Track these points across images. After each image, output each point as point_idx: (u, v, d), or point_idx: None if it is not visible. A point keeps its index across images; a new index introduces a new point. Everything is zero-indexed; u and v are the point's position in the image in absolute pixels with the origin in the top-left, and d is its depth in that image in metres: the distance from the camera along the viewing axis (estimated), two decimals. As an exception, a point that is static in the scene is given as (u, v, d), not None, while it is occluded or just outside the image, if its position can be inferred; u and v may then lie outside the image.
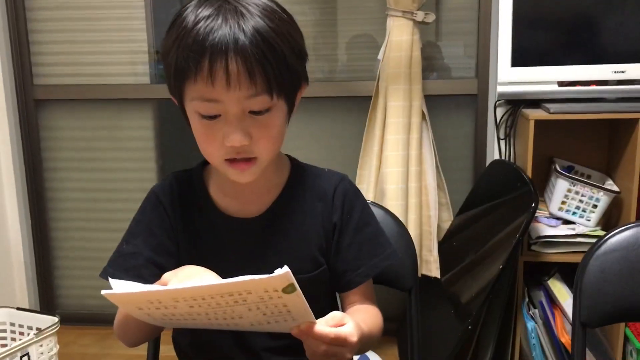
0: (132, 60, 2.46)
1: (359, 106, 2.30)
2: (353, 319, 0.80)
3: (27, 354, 1.88)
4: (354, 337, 0.77)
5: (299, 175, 1.00)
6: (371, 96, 2.17)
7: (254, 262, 0.94)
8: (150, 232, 0.97)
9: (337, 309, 1.07)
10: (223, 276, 0.95)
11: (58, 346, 2.00)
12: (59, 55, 2.50)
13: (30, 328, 2.03)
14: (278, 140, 0.90)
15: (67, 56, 2.49)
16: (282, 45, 0.82)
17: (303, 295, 0.71)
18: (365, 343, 0.89)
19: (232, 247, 0.96)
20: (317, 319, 1.01)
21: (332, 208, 0.97)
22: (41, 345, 1.93)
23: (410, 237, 1.12)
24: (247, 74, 0.80)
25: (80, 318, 2.56)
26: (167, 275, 0.83)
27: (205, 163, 1.01)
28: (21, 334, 2.06)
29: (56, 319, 1.98)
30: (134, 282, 0.84)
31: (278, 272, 0.66)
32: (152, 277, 0.94)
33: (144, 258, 0.95)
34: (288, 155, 1.03)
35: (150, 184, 2.88)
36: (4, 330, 2.10)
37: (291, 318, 0.74)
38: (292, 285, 0.68)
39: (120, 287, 0.80)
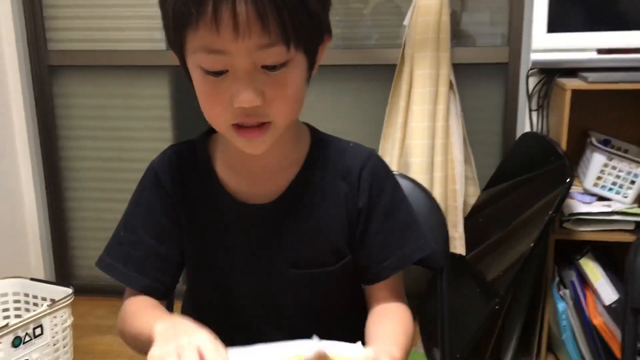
0: (148, 26, 2.38)
1: (382, 75, 2.20)
2: (388, 352, 0.69)
3: (41, 325, 1.84)
4: None
5: (320, 150, 0.86)
6: (396, 64, 2.07)
7: (267, 255, 0.85)
8: (150, 215, 0.85)
9: (363, 304, 0.98)
10: (231, 272, 0.86)
11: (72, 318, 1.96)
12: (73, 19, 2.42)
13: (44, 299, 2.00)
14: (296, 102, 0.76)
15: (81, 21, 2.41)
16: None
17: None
18: None
19: (241, 238, 0.85)
20: (339, 317, 0.91)
21: (358, 190, 0.84)
22: (55, 317, 1.89)
23: (442, 213, 1.03)
24: (259, 18, 0.66)
25: (95, 289, 2.52)
26: (158, 331, 0.68)
27: (209, 133, 0.88)
28: (35, 305, 2.02)
29: (70, 291, 1.94)
30: None
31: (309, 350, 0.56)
32: (155, 271, 0.85)
33: (145, 248, 0.85)
34: (307, 124, 0.89)
35: (165, 154, 2.76)
36: (18, 301, 2.07)
37: None
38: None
39: None
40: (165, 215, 0.85)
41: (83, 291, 2.31)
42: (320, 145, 0.86)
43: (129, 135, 2.49)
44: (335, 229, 0.84)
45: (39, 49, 2.42)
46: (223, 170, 0.85)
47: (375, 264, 0.85)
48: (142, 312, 0.82)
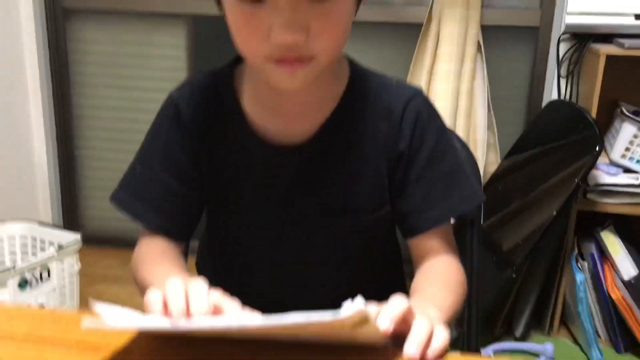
0: (167, -28, 2.31)
1: (408, 34, 2.12)
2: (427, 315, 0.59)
3: (48, 269, 1.82)
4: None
5: (360, 86, 0.77)
6: (421, 24, 1.99)
7: (297, 201, 0.78)
8: (169, 152, 0.78)
9: (399, 255, 0.92)
10: (255, 220, 0.78)
11: (79, 264, 1.93)
12: (90, -38, 2.35)
13: (51, 244, 1.97)
14: (343, 37, 0.68)
15: (98, -37, 2.34)
16: None
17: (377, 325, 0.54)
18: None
19: (269, 182, 0.78)
20: (370, 272, 0.84)
21: (400, 132, 0.75)
22: (62, 262, 1.87)
23: (475, 160, 0.97)
24: None
25: (104, 240, 2.50)
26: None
27: (236, 62, 0.80)
28: (42, 249, 1.99)
29: (78, 236, 1.91)
30: (130, 312, 0.55)
31: (350, 309, 0.48)
32: (173, 210, 0.79)
33: (163, 186, 0.78)
34: (347, 57, 0.79)
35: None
36: (26, 245, 2.05)
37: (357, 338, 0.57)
38: (365, 319, 0.50)
39: (112, 317, 0.51)
40: (184, 153, 0.78)
41: (91, 241, 2.28)
42: (359, 80, 0.78)
43: (142, 85, 2.43)
44: (373, 173, 0.77)
45: (55, -10, 2.35)
46: (251, 106, 0.77)
47: (415, 213, 0.77)
48: (155, 261, 0.77)
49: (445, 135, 0.79)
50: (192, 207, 0.81)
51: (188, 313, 0.55)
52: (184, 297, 0.56)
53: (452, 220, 0.81)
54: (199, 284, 0.58)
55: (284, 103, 0.75)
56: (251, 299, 0.63)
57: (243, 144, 0.77)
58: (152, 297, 0.57)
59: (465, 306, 0.95)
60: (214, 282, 0.64)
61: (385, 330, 0.54)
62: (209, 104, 0.78)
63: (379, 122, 0.76)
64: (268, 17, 0.63)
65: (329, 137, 0.76)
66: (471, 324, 0.93)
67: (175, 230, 0.80)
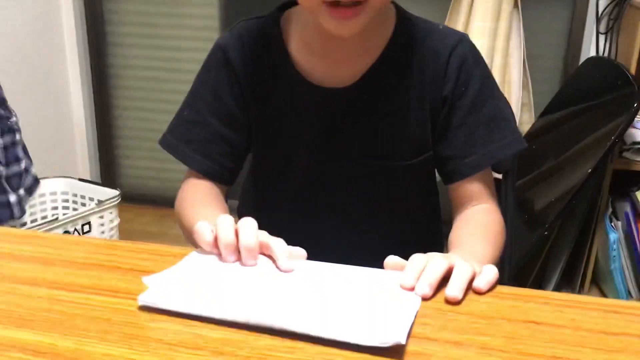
0: None
1: (442, -10, 2.09)
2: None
3: (89, 222, 1.88)
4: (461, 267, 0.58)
5: (406, 31, 0.78)
6: (457, -21, 1.96)
7: (340, 143, 0.79)
8: (217, 97, 0.81)
9: (438, 205, 0.92)
10: (299, 160, 0.80)
11: (119, 219, 2.00)
12: None
13: (91, 199, 2.03)
14: None
15: None
16: None
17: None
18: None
19: (315, 124, 0.79)
20: (409, 219, 0.84)
21: (445, 76, 0.76)
22: (102, 217, 1.93)
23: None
24: None
25: (141, 198, 2.56)
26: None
27: (282, 8, 0.81)
28: (83, 204, 2.06)
29: (117, 192, 1.97)
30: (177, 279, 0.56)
31: (387, 340, 0.46)
32: (219, 154, 0.81)
33: (210, 130, 0.81)
34: (393, 2, 0.80)
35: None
36: (67, 200, 2.12)
37: None
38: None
39: (164, 295, 0.52)
40: (232, 98, 0.80)
41: (129, 199, 2.34)
42: (406, 25, 0.79)
43: (176, 45, 2.45)
44: (417, 118, 0.78)
45: (89, -50, 2.37)
46: (298, 50, 0.78)
47: (456, 158, 0.78)
48: (203, 203, 0.79)
49: (489, 81, 0.79)
50: (237, 151, 0.83)
51: (237, 246, 0.58)
52: (234, 232, 0.59)
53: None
54: (249, 220, 0.61)
55: (331, 47, 0.77)
56: (291, 240, 0.65)
57: (290, 86, 0.79)
58: (203, 227, 0.60)
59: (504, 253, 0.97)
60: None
61: (425, 295, 0.54)
62: (256, 48, 0.80)
63: (424, 68, 0.77)
64: None
65: (374, 81, 0.77)
66: (504, 275, 0.94)
67: (221, 173, 0.82)
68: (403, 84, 0.77)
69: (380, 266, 0.61)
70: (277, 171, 0.85)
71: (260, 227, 0.64)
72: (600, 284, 1.96)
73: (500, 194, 0.93)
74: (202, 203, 0.79)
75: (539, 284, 1.98)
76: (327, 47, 0.77)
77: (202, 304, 0.51)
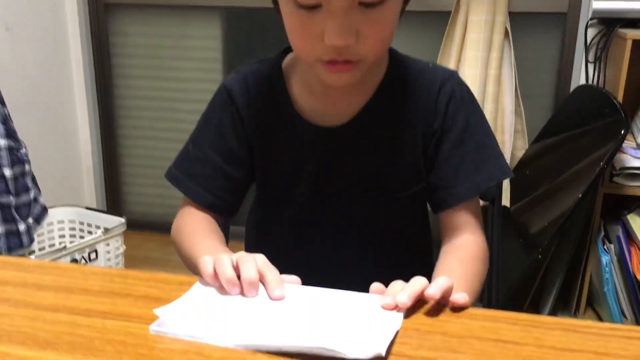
0: (202, -34, 2.40)
1: (436, 22, 2.16)
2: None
3: (95, 250, 1.94)
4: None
5: (398, 71, 0.83)
6: (450, 12, 2.04)
7: (339, 177, 0.84)
8: (220, 135, 0.85)
9: (430, 235, 0.96)
10: (301, 195, 0.84)
11: (124, 246, 2.05)
12: (129, -42, 2.45)
13: (98, 227, 2.09)
14: (388, 40, 0.73)
15: (137, -40, 2.44)
16: None
17: None
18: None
19: (314, 159, 0.83)
20: (406, 248, 0.89)
21: (435, 112, 0.80)
22: (108, 244, 1.98)
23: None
24: None
25: (146, 224, 2.62)
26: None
27: (284, 52, 0.87)
28: (89, 232, 2.12)
29: (123, 220, 2.02)
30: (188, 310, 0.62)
31: (369, 352, 0.52)
32: (220, 189, 0.86)
33: (213, 166, 0.86)
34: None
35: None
36: (74, 228, 2.18)
37: None
38: None
39: (172, 324, 0.58)
40: (235, 136, 0.85)
41: (134, 226, 2.39)
42: (398, 66, 0.84)
43: (180, 76, 2.53)
44: (410, 152, 0.82)
45: (97, -14, 2.46)
46: (299, 90, 0.83)
47: (444, 189, 0.83)
48: (202, 235, 0.84)
49: (477, 114, 0.84)
50: (237, 186, 0.88)
51: (237, 279, 0.63)
52: (232, 267, 0.64)
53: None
54: (249, 255, 0.66)
55: (329, 90, 0.82)
56: (292, 265, 0.70)
57: (290, 124, 0.83)
58: (206, 262, 0.65)
59: (486, 280, 1.02)
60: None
61: (403, 304, 0.60)
62: (259, 89, 0.85)
63: (415, 104, 0.82)
64: (322, 22, 0.69)
65: (369, 118, 0.82)
66: (491, 299, 0.99)
67: (220, 206, 0.87)
68: (396, 119, 0.82)
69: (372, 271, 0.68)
70: (279, 202, 0.89)
71: (263, 252, 0.68)
72: (595, 306, 2.00)
73: (486, 221, 0.99)
74: (201, 235, 0.84)
75: (536, 306, 2.02)
76: (326, 90, 0.82)
77: (207, 332, 0.56)
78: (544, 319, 0.57)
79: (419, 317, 0.60)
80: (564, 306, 2.03)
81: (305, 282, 0.68)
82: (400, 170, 0.84)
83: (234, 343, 0.55)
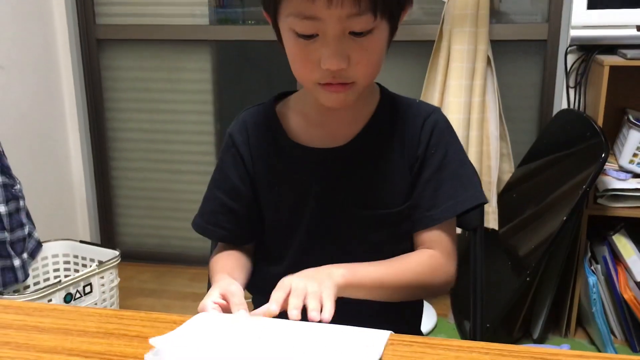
0: (192, 1, 2.45)
1: (420, 51, 2.22)
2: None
3: (90, 283, 1.95)
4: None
5: (388, 104, 0.93)
6: (434, 41, 2.10)
7: (337, 196, 0.91)
8: (224, 175, 0.96)
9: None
10: (303, 215, 0.92)
11: (119, 279, 2.07)
12: (120, -5, 2.51)
13: (92, 260, 2.11)
14: (378, 65, 0.83)
15: (128, -4, 2.50)
16: None
17: None
18: (380, 288, 0.84)
19: (316, 181, 0.91)
20: (400, 250, 0.93)
21: (419, 139, 0.90)
22: (102, 277, 2.00)
23: (481, 183, 1.07)
24: None
25: (139, 255, 2.64)
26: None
27: (278, 98, 0.97)
28: (84, 265, 2.14)
29: (117, 252, 2.04)
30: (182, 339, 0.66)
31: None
32: (228, 224, 0.95)
33: (219, 202, 0.95)
34: (378, 83, 0.96)
35: (207, 127, 2.88)
36: (68, 262, 2.19)
37: None
38: None
39: (168, 353, 0.61)
40: (237, 175, 0.94)
41: (128, 257, 2.42)
42: (388, 100, 0.94)
43: (172, 108, 2.58)
44: (399, 173, 0.90)
45: (88, 23, 2.51)
46: (296, 122, 0.93)
47: (420, 209, 0.90)
48: (216, 270, 0.92)
49: (456, 146, 0.92)
50: (242, 219, 0.96)
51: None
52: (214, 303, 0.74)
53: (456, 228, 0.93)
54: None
55: (326, 119, 0.91)
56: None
57: (288, 152, 0.92)
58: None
59: (471, 305, 1.05)
60: (261, 274, 0.90)
61: (273, 312, 0.69)
62: (256, 128, 0.94)
63: (403, 133, 0.91)
64: (319, 50, 0.79)
65: (362, 143, 0.91)
66: (476, 322, 1.02)
67: (231, 238, 0.97)
68: (386, 146, 0.91)
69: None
70: (288, 227, 0.95)
71: (270, 270, 0.79)
72: (585, 326, 2.03)
73: (469, 250, 1.03)
74: (216, 271, 0.92)
75: (527, 327, 2.05)
76: (323, 119, 0.91)
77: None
78: (515, 347, 0.61)
79: (397, 350, 0.63)
80: (554, 327, 2.06)
81: None
82: (391, 189, 0.91)
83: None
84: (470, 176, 0.93)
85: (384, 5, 0.77)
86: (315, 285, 0.74)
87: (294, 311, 0.69)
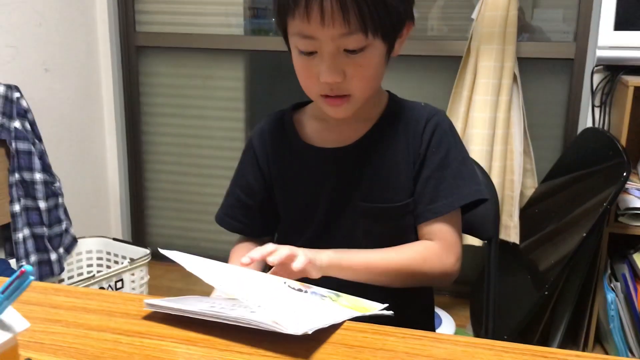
0: (227, 12, 2.54)
1: (448, 66, 2.28)
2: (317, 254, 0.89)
3: (122, 279, 2.04)
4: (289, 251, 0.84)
5: (394, 107, 1.00)
6: (461, 56, 2.15)
7: (344, 190, 0.98)
8: (242, 173, 1.06)
9: None
10: (313, 207, 1.00)
11: (148, 276, 2.15)
12: (160, 4, 2.62)
13: (124, 257, 2.20)
14: (373, 80, 0.91)
15: (167, 5, 2.61)
16: None
17: None
18: (367, 272, 0.92)
19: (328, 177, 0.98)
20: (405, 242, 1.02)
21: (422, 138, 0.96)
22: (133, 274, 2.09)
23: (493, 185, 1.12)
24: (341, 11, 0.81)
25: (169, 258, 2.71)
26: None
27: (295, 107, 1.05)
28: (115, 262, 2.23)
29: (148, 251, 2.13)
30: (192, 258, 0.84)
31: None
32: (241, 215, 1.06)
33: (235, 198, 1.06)
34: (388, 92, 1.03)
35: (238, 133, 2.97)
36: (101, 258, 2.29)
37: None
38: None
39: (161, 303, 0.76)
40: (252, 174, 1.04)
41: (157, 256, 2.50)
42: (395, 104, 1.01)
43: (205, 114, 2.67)
44: (402, 169, 0.97)
45: (129, 30, 2.62)
46: (311, 126, 1.01)
47: (423, 204, 0.96)
48: (232, 257, 1.05)
49: (457, 146, 0.98)
50: (254, 213, 1.06)
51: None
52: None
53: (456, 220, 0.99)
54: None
55: (337, 122, 0.99)
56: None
57: (301, 153, 1.00)
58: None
59: (484, 314, 1.10)
60: None
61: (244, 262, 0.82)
62: (273, 132, 1.04)
63: (408, 132, 0.98)
64: (318, 65, 0.88)
65: (369, 143, 0.98)
66: (488, 329, 1.07)
67: (245, 230, 1.08)
68: (392, 144, 0.98)
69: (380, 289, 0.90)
70: (301, 222, 1.03)
71: None
72: (603, 343, 2.04)
73: (484, 260, 1.07)
74: (232, 259, 1.04)
75: (545, 341, 2.07)
76: (335, 121, 0.99)
77: (194, 307, 0.72)
78: (517, 345, 0.65)
79: (407, 342, 0.69)
80: (572, 342, 2.08)
81: (325, 280, 0.87)
82: (395, 185, 0.98)
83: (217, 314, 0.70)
84: (471, 173, 0.98)
85: (375, 26, 0.84)
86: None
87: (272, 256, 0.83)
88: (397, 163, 0.97)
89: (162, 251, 0.82)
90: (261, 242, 1.06)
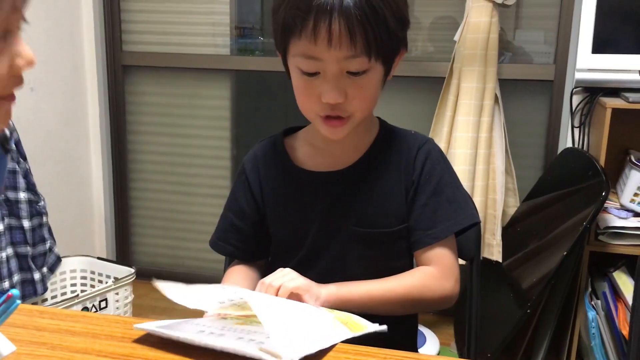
0: (214, 32, 2.57)
1: (431, 87, 2.32)
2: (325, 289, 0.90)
3: (106, 299, 2.03)
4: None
5: (386, 134, 1.03)
6: (444, 77, 2.18)
7: (336, 215, 0.99)
8: (235, 198, 1.07)
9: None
10: (306, 231, 1.01)
11: (133, 295, 2.15)
12: (146, 23, 2.64)
13: (108, 277, 2.19)
14: (372, 101, 0.94)
15: (154, 25, 2.63)
16: (385, 9, 0.85)
17: None
18: (370, 304, 0.93)
19: (320, 201, 1.00)
20: (397, 269, 1.03)
21: (414, 166, 0.99)
22: (117, 293, 2.08)
23: (475, 206, 1.14)
24: (349, 34, 0.84)
25: (153, 274, 2.70)
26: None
27: (287, 132, 1.07)
28: (100, 281, 2.22)
29: (132, 270, 2.13)
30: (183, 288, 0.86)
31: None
32: (234, 239, 1.06)
33: (229, 222, 1.07)
34: (378, 117, 1.06)
35: (224, 152, 2.99)
36: (85, 277, 2.28)
37: None
38: None
39: (170, 291, 0.82)
40: (244, 198, 1.06)
41: (141, 275, 2.49)
42: (386, 131, 1.04)
43: (191, 133, 2.68)
44: (395, 196, 0.99)
45: (115, 49, 2.64)
46: (303, 150, 1.03)
47: (419, 230, 0.98)
48: (225, 280, 1.04)
49: (449, 173, 1.01)
50: (247, 237, 1.07)
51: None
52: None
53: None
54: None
55: (329, 147, 1.01)
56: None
57: (293, 177, 1.02)
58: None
59: (466, 332, 1.12)
60: None
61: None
62: (265, 157, 1.05)
63: (399, 160, 1.00)
64: (320, 86, 0.90)
65: (361, 169, 1.00)
66: (470, 348, 1.08)
67: (237, 254, 1.08)
68: (384, 171, 1.00)
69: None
70: (292, 246, 1.04)
71: None
72: (584, 359, 2.07)
73: (465, 278, 1.09)
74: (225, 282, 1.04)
75: (528, 358, 2.09)
76: (328, 145, 1.01)
77: (183, 333, 0.73)
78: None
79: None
80: (555, 358, 2.10)
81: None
82: (387, 211, 0.99)
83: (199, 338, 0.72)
84: (465, 199, 1.02)
85: (378, 50, 0.87)
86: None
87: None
88: (389, 189, 0.99)
89: (155, 283, 0.83)
90: (255, 265, 1.08)
